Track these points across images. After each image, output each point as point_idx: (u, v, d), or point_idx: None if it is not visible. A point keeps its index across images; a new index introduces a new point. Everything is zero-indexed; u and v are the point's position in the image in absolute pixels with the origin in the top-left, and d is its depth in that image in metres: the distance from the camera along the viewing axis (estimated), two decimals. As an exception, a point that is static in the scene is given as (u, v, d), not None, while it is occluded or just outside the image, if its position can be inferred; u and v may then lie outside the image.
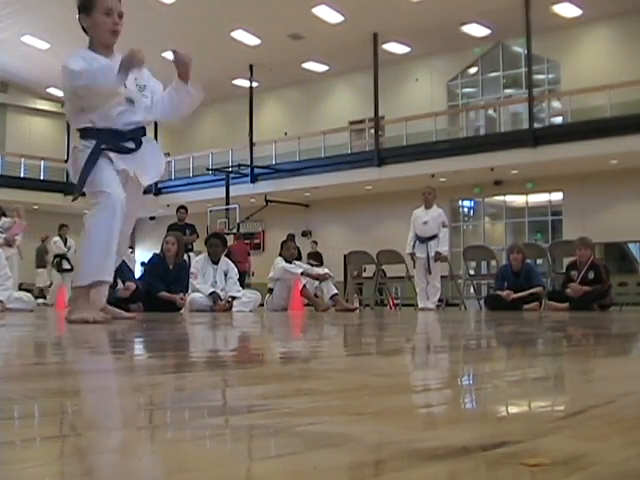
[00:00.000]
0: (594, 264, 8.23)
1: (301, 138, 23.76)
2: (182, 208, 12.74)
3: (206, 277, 7.92)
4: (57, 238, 15.07)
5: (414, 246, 9.58)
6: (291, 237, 11.69)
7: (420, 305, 9.60)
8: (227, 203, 22.41)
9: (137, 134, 3.95)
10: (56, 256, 14.95)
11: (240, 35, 21.96)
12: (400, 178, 19.95)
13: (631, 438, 0.75)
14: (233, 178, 23.55)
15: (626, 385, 1.26)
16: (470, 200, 22.46)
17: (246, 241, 25.61)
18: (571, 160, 17.34)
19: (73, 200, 3.88)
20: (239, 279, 8.30)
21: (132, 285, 7.02)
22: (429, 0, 18.73)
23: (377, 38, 21.20)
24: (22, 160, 27.05)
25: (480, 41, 21.28)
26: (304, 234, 24.20)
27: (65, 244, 14.82)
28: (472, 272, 13.06)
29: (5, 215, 11.55)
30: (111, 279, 3.84)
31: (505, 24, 19.63)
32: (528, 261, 8.89)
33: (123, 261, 7.46)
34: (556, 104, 20.94)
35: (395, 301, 13.02)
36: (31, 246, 28.05)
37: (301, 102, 25.99)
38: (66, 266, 14.46)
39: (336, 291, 8.67)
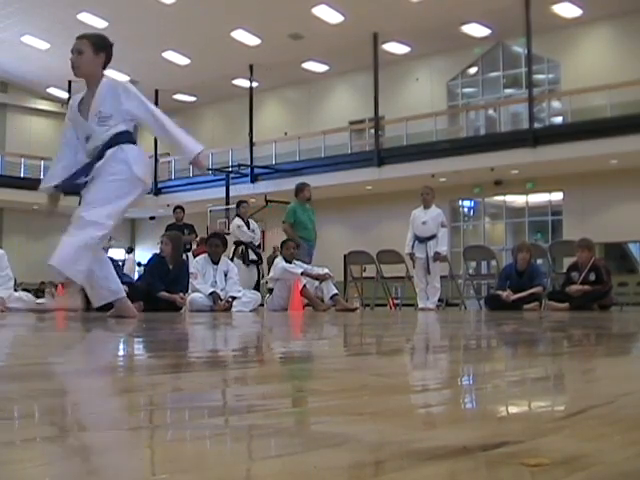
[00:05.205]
0: (595, 265, 8.21)
1: (301, 138, 23.75)
2: (178, 208, 12.68)
3: (206, 277, 7.91)
4: (239, 221, 10.92)
5: (413, 246, 9.58)
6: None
7: (420, 305, 9.59)
8: (227, 203, 22.39)
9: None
10: (239, 244, 10.86)
11: (240, 35, 21.96)
12: (400, 178, 19.94)
13: (631, 438, 0.75)
14: (233, 178, 23.54)
15: (626, 385, 1.26)
16: (470, 200, 22.45)
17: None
18: (571, 160, 17.33)
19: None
20: None
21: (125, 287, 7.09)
22: (429, 0, 18.73)
23: (377, 38, 21.19)
24: (22, 160, 27.04)
25: (480, 41, 21.27)
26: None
27: (248, 227, 10.85)
28: (472, 272, 13.05)
29: None
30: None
31: (505, 24, 19.63)
32: (532, 261, 8.85)
33: (115, 262, 7.56)
34: (556, 104, 20.94)
35: (395, 301, 13.01)
36: (32, 246, 28.20)
37: (301, 102, 25.99)
38: (252, 256, 10.81)
39: (336, 291, 8.66)
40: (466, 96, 23.14)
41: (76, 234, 4.16)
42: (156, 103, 27.72)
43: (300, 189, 9.76)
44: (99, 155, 4.31)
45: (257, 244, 11.18)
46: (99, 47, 4.41)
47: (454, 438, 0.73)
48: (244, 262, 10.55)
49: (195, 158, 4.43)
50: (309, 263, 9.09)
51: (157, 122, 4.38)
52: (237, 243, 10.85)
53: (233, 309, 7.65)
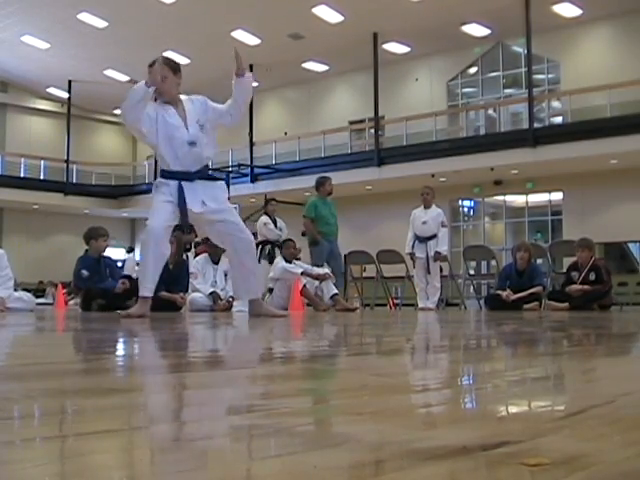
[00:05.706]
0: (595, 265, 8.20)
1: (301, 138, 23.76)
2: None
3: (206, 277, 7.91)
4: (266, 219, 10.32)
5: (413, 246, 9.58)
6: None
7: (420, 305, 9.60)
8: (227, 203, 22.40)
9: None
10: (265, 243, 10.12)
11: (240, 35, 21.95)
12: (400, 178, 19.95)
13: (631, 438, 0.75)
14: (233, 178, 23.54)
15: (626, 385, 1.26)
16: (470, 200, 22.46)
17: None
18: (571, 160, 17.34)
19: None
20: None
21: (126, 280, 7.13)
22: (429, 0, 18.73)
23: (377, 38, 21.20)
24: (22, 160, 27.05)
25: (480, 41, 21.28)
26: (304, 234, 24.17)
27: (275, 225, 10.28)
28: (472, 272, 13.05)
29: None
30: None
31: (505, 24, 19.64)
32: (532, 261, 8.83)
33: (110, 259, 7.64)
34: (556, 104, 20.94)
35: (395, 301, 13.01)
36: (32, 246, 28.20)
37: (301, 102, 25.99)
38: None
39: (336, 291, 8.65)
40: (466, 96, 23.15)
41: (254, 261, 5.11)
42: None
43: (321, 183, 9.34)
44: (204, 172, 4.88)
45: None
46: (176, 69, 4.81)
47: (454, 438, 0.73)
48: (270, 263, 9.63)
49: (240, 74, 5.11)
50: (332, 262, 9.04)
51: (233, 102, 4.92)
52: (263, 243, 10.10)
53: (233, 309, 7.64)
